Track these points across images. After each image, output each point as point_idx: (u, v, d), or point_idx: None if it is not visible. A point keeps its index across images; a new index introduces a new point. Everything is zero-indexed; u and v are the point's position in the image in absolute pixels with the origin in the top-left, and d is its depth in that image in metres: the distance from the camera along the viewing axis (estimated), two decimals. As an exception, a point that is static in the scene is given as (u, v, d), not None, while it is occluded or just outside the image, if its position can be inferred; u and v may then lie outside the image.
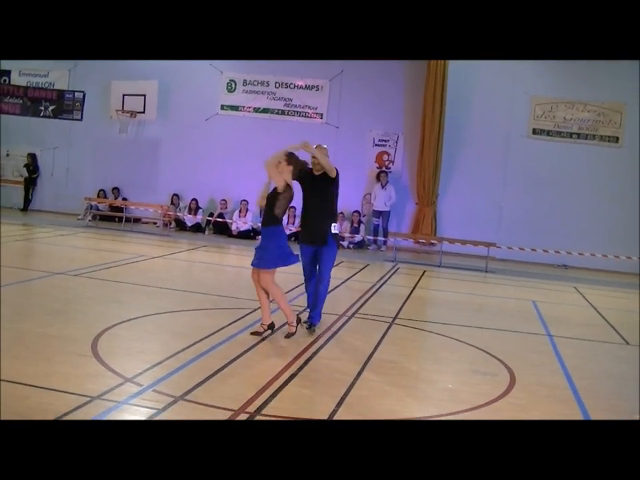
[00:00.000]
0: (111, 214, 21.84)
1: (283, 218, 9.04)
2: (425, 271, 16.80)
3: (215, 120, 21.93)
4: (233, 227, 20.88)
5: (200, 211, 21.41)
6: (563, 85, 19.99)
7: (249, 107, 21.80)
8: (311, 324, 9.05)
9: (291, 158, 8.83)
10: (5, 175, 23.33)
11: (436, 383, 7.61)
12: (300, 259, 9.02)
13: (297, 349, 8.25)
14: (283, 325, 9.00)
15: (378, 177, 20.42)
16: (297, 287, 11.36)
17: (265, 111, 21.72)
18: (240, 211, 20.93)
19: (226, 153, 21.55)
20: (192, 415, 5.80)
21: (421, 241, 20.20)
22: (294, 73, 21.22)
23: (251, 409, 6.03)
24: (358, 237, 20.18)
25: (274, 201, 8.73)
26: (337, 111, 21.26)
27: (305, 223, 9.33)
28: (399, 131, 21.04)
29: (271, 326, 8.79)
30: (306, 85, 21.42)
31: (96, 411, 5.65)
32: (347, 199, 20.14)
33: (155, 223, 21.52)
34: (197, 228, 21.34)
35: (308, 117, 21.46)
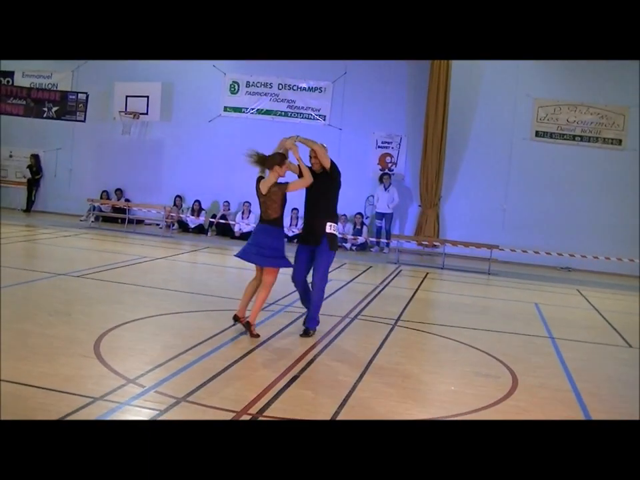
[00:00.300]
0: (114, 215, 21.85)
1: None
2: (427, 273, 16.79)
3: (217, 121, 21.95)
4: (236, 229, 20.89)
5: (203, 212, 21.42)
6: (566, 87, 19.98)
7: (252, 109, 21.80)
8: (306, 328, 9.01)
9: (282, 161, 9.03)
10: (8, 176, 23.36)
11: (438, 385, 7.61)
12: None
13: (299, 351, 8.24)
14: (283, 328, 9.00)
15: (381, 179, 20.41)
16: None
17: (268, 112, 21.72)
18: (243, 213, 20.93)
19: (229, 154, 21.50)
20: (194, 416, 5.80)
21: (423, 243, 20.18)
22: (297, 75, 21.24)
23: (253, 410, 6.03)
24: (361, 239, 20.17)
25: (284, 198, 8.86)
26: (340, 112, 21.26)
27: (304, 222, 9.26)
28: (401, 132, 21.03)
29: (237, 318, 8.89)
30: (309, 87, 21.43)
31: (98, 411, 5.65)
32: (350, 201, 20.16)
33: (158, 225, 21.52)
34: (200, 229, 21.36)
35: (311, 118, 21.46)
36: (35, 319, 8.68)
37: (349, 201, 20.06)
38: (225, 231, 21.03)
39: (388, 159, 21.10)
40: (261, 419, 5.86)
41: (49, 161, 23.14)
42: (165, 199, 21.79)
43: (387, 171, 20.85)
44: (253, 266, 9.05)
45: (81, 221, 21.36)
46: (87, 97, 22.25)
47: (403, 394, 7.04)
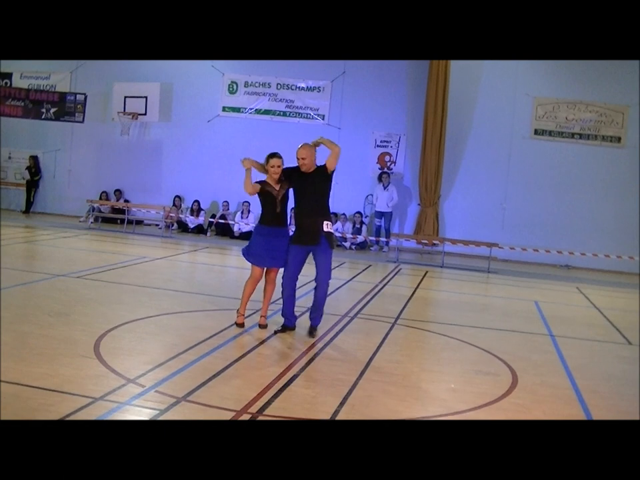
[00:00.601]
0: (113, 216, 21.87)
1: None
2: (427, 272, 16.80)
3: (216, 121, 21.96)
4: (235, 229, 20.89)
5: (202, 212, 21.43)
6: (565, 85, 19.98)
7: (251, 109, 21.81)
8: (311, 326, 9.02)
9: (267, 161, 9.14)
10: (7, 177, 23.37)
11: (438, 383, 7.61)
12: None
13: (299, 349, 8.25)
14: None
15: (380, 178, 20.41)
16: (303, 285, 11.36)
17: (267, 112, 21.73)
18: (242, 213, 20.94)
19: (228, 154, 21.51)
20: (194, 415, 5.80)
21: (423, 241, 20.19)
22: (295, 75, 21.25)
23: (253, 409, 6.03)
24: (360, 238, 20.18)
25: (286, 201, 9.06)
26: (338, 112, 21.27)
27: (296, 223, 9.12)
28: (400, 131, 21.04)
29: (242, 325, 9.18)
30: (308, 87, 21.43)
31: (98, 412, 5.65)
32: (349, 200, 20.21)
33: (157, 225, 21.53)
34: (199, 229, 21.36)
35: (310, 118, 21.47)
36: (35, 319, 8.68)
37: (348, 200, 20.14)
38: (224, 231, 21.04)
39: (387, 157, 21.11)
40: (260, 418, 5.87)
41: (47, 162, 23.15)
42: (164, 199, 21.80)
43: (386, 169, 20.86)
44: (250, 266, 9.08)
45: (80, 221, 21.37)
46: (86, 97, 22.25)
47: (402, 392, 7.04)
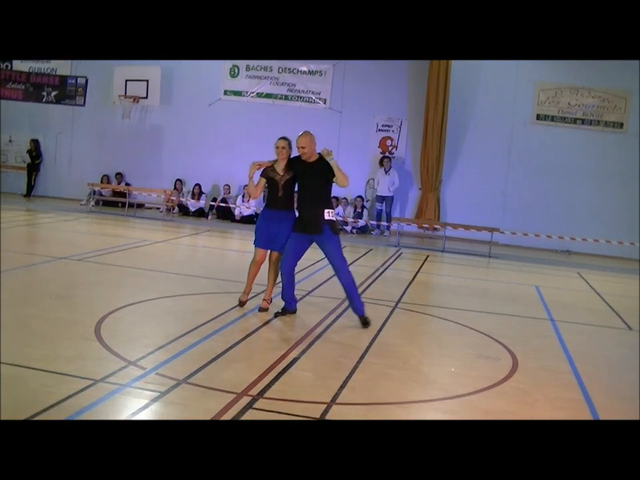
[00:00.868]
0: (114, 199, 21.84)
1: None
2: (428, 256, 16.80)
3: (218, 105, 21.90)
4: (236, 212, 20.88)
5: (203, 196, 21.41)
6: (568, 70, 19.88)
7: (252, 92, 21.75)
8: (360, 317, 8.88)
9: (290, 144, 9.13)
10: (8, 160, 23.33)
11: (439, 367, 7.62)
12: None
13: (299, 332, 8.25)
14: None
15: (381, 162, 20.38)
16: (304, 269, 11.37)
17: (268, 96, 21.67)
18: (243, 196, 20.91)
19: (229, 138, 21.55)
20: (194, 398, 5.82)
21: (424, 226, 20.18)
22: (297, 58, 21.19)
23: (254, 392, 6.04)
24: (361, 222, 20.17)
25: (291, 186, 9.04)
26: (340, 96, 21.21)
27: (298, 211, 9.08)
28: (402, 116, 20.99)
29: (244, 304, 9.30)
30: (309, 70, 21.37)
31: (99, 394, 5.67)
32: (350, 184, 20.04)
33: (158, 208, 21.50)
34: (200, 213, 21.34)
35: (311, 101, 21.42)
36: (36, 302, 8.70)
37: (349, 184, 20.08)
38: (225, 214, 21.02)
39: (388, 142, 21.07)
40: (261, 400, 5.87)
41: (48, 146, 23.10)
42: (165, 182, 21.77)
43: (387, 154, 20.83)
44: (252, 249, 9.10)
45: (81, 205, 21.35)
46: (86, 81, 22.21)
47: (403, 376, 7.05)
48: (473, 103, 20.46)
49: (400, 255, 16.60)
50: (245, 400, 5.82)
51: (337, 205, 19.66)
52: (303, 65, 21.32)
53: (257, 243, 9.10)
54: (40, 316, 7.99)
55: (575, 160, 19.94)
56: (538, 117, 20.34)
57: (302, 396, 6.10)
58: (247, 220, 20.52)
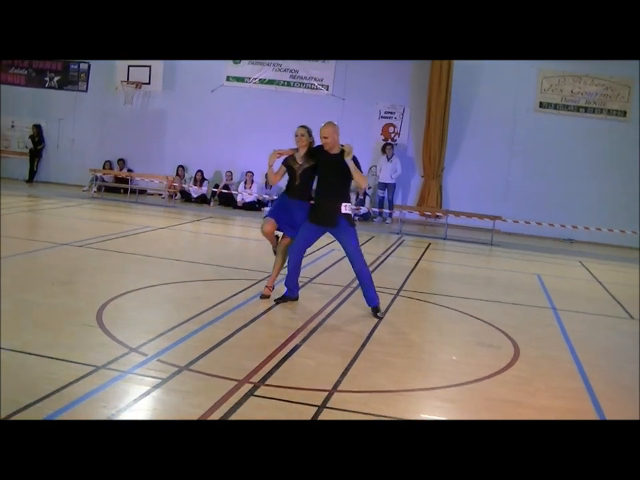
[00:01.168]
0: (117, 185, 21.83)
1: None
2: (430, 244, 16.80)
3: (220, 91, 21.85)
4: (239, 199, 20.86)
5: (205, 182, 21.38)
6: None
7: (255, 79, 21.70)
8: (373, 308, 8.85)
9: (310, 132, 9.09)
10: (10, 146, 23.29)
11: (440, 355, 7.63)
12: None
13: (301, 320, 8.26)
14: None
15: (384, 150, 20.35)
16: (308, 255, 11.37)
17: (271, 82, 21.62)
18: (245, 183, 20.89)
19: (231, 124, 21.51)
20: (196, 385, 5.83)
21: (426, 213, 20.15)
22: (300, 45, 21.10)
23: (255, 379, 6.05)
24: (363, 209, 20.16)
25: (310, 176, 9.00)
26: (343, 82, 21.15)
27: (315, 201, 9.00)
28: (405, 103, 20.95)
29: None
30: (312, 57, 21.28)
31: (101, 380, 5.68)
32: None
33: (161, 195, 21.51)
34: (203, 199, 21.32)
35: (314, 88, 21.37)
36: (38, 288, 8.71)
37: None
38: (227, 200, 21.01)
39: (391, 129, 21.03)
40: (262, 387, 5.88)
41: (51, 131, 23.06)
42: (167, 169, 21.74)
43: (389, 141, 20.80)
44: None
45: (83, 191, 21.34)
46: (89, 66, 22.20)
47: (404, 363, 7.06)
48: (476, 91, 20.40)
49: (402, 242, 16.60)
50: (247, 387, 5.83)
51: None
52: (306, 52, 21.22)
53: (270, 214, 9.15)
54: (42, 302, 8.00)
55: (578, 148, 19.89)
56: (541, 105, 20.29)
57: (303, 383, 6.12)
58: (249, 206, 20.53)
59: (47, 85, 22.60)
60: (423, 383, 6.62)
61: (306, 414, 5.40)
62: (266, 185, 20.77)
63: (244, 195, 20.79)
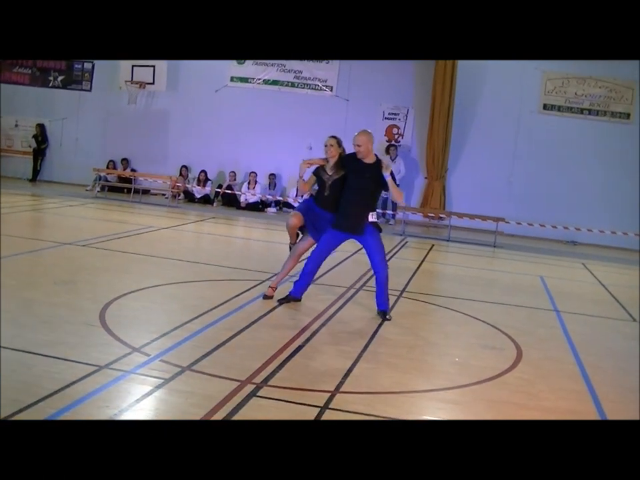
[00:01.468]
0: (120, 185, 21.84)
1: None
2: (433, 245, 16.79)
3: (224, 92, 21.86)
4: (242, 199, 20.87)
5: (209, 182, 21.38)
6: (575, 60, 19.78)
7: (259, 79, 21.70)
8: (381, 311, 8.82)
9: (340, 142, 8.94)
10: (13, 145, 23.33)
11: (443, 357, 7.62)
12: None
13: (303, 321, 8.26)
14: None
15: (387, 151, 20.33)
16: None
17: (275, 83, 21.63)
18: (249, 183, 20.90)
19: (235, 124, 21.53)
20: (198, 385, 5.82)
21: (429, 215, 20.15)
22: (304, 45, 21.11)
23: (258, 379, 6.04)
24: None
25: (338, 187, 8.85)
26: (347, 83, 21.16)
27: (341, 208, 8.77)
28: (409, 104, 20.96)
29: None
30: (316, 58, 21.31)
31: (103, 380, 5.67)
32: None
33: (164, 195, 21.52)
34: (206, 200, 21.32)
35: (318, 89, 21.37)
36: (41, 287, 8.71)
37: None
38: (230, 201, 21.03)
39: (395, 130, 21.04)
40: (265, 388, 5.88)
41: (54, 131, 23.09)
42: (171, 169, 21.76)
43: (393, 142, 20.80)
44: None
45: (86, 190, 21.35)
46: (93, 66, 22.22)
47: (407, 365, 7.05)
48: (480, 92, 20.40)
49: (405, 243, 16.59)
50: (249, 388, 5.83)
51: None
52: (310, 52, 21.23)
53: (298, 208, 9.16)
54: (44, 301, 8.00)
55: (581, 150, 19.88)
56: (545, 107, 20.28)
57: (306, 384, 6.11)
58: (252, 207, 20.54)
59: (50, 84, 22.64)
60: (425, 384, 6.61)
61: (309, 415, 5.40)
62: (248, 184, 20.82)
63: (247, 196, 20.79)
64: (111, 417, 4.95)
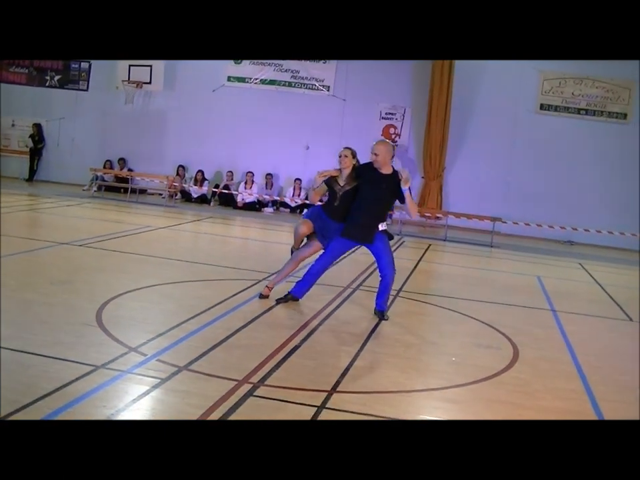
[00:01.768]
0: (117, 185, 21.84)
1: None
2: (430, 245, 16.80)
3: (221, 91, 21.85)
4: (239, 199, 20.87)
5: (206, 182, 21.38)
6: (572, 60, 19.80)
7: (256, 79, 21.70)
8: (380, 312, 8.81)
9: (354, 154, 8.93)
10: (10, 145, 23.31)
11: (439, 356, 7.63)
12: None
13: (300, 320, 8.26)
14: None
15: (384, 150, 20.30)
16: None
17: (272, 82, 21.63)
18: (246, 183, 20.91)
19: (232, 124, 21.52)
20: (195, 384, 5.82)
21: (426, 214, 20.16)
22: (301, 45, 21.11)
23: (255, 379, 6.04)
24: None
25: (349, 198, 8.82)
26: (344, 83, 21.16)
27: (353, 216, 8.73)
28: (406, 104, 20.97)
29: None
30: (313, 57, 21.32)
31: (100, 380, 5.67)
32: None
33: (161, 194, 21.52)
34: (203, 199, 21.33)
35: (315, 89, 21.36)
36: (38, 287, 8.70)
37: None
38: (227, 201, 21.04)
39: (392, 130, 21.04)
40: (262, 387, 5.88)
41: (51, 130, 23.07)
42: (167, 168, 21.76)
43: (382, 138, 20.78)
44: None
45: (83, 190, 21.34)
46: (90, 65, 22.22)
47: (404, 364, 7.06)
48: (477, 92, 20.42)
49: (402, 243, 16.59)
50: (246, 387, 5.83)
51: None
52: (307, 52, 21.24)
53: (308, 217, 9.06)
54: (41, 301, 7.99)
55: (578, 150, 19.91)
56: (542, 107, 20.31)
57: (303, 384, 6.11)
58: (249, 207, 20.54)
59: (47, 84, 22.62)
60: (422, 384, 6.62)
61: (305, 414, 5.40)
62: (245, 184, 20.87)
63: (244, 195, 20.80)
64: (108, 417, 4.95)
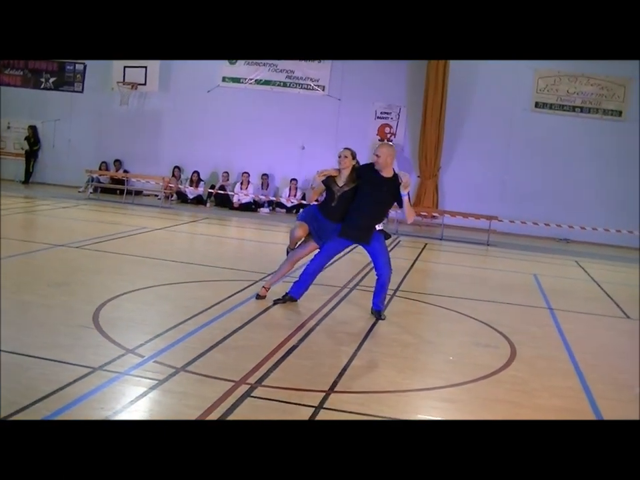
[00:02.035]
0: (113, 186, 21.80)
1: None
2: (426, 244, 16.81)
3: (216, 92, 21.84)
4: (235, 199, 20.86)
5: (201, 183, 21.37)
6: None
7: (251, 79, 21.69)
8: (377, 311, 8.80)
9: (354, 155, 8.90)
10: (6, 147, 23.28)
11: (437, 355, 7.63)
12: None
13: (297, 321, 8.25)
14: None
15: (380, 150, 20.31)
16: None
17: (267, 82, 21.63)
18: (241, 183, 20.90)
19: (227, 125, 21.52)
20: (193, 386, 5.82)
21: (422, 214, 20.16)
22: (296, 45, 21.10)
23: (252, 380, 6.04)
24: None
25: (347, 199, 8.79)
26: (339, 83, 21.16)
27: (351, 217, 8.71)
28: (401, 103, 20.98)
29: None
30: (308, 57, 21.32)
31: (97, 381, 5.66)
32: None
33: (157, 196, 21.50)
34: (199, 200, 21.31)
35: (310, 89, 21.36)
36: (34, 289, 8.68)
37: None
38: (223, 201, 21.02)
39: (387, 129, 21.05)
40: (259, 388, 5.88)
41: (47, 132, 23.05)
42: (163, 169, 21.74)
43: (385, 141, 20.79)
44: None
45: (79, 192, 21.31)
46: (85, 67, 22.20)
47: (401, 364, 7.06)
48: (472, 90, 20.43)
49: (398, 242, 16.59)
50: (243, 388, 5.82)
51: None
52: (302, 52, 21.23)
53: (303, 219, 8.98)
54: (39, 303, 7.98)
55: (574, 148, 19.93)
56: (537, 105, 20.33)
57: (300, 384, 6.11)
58: (245, 207, 20.54)
59: (42, 86, 22.61)
60: (419, 383, 6.62)
61: (303, 414, 5.40)
62: (241, 184, 20.86)
63: (240, 196, 20.79)
64: (106, 419, 4.95)
